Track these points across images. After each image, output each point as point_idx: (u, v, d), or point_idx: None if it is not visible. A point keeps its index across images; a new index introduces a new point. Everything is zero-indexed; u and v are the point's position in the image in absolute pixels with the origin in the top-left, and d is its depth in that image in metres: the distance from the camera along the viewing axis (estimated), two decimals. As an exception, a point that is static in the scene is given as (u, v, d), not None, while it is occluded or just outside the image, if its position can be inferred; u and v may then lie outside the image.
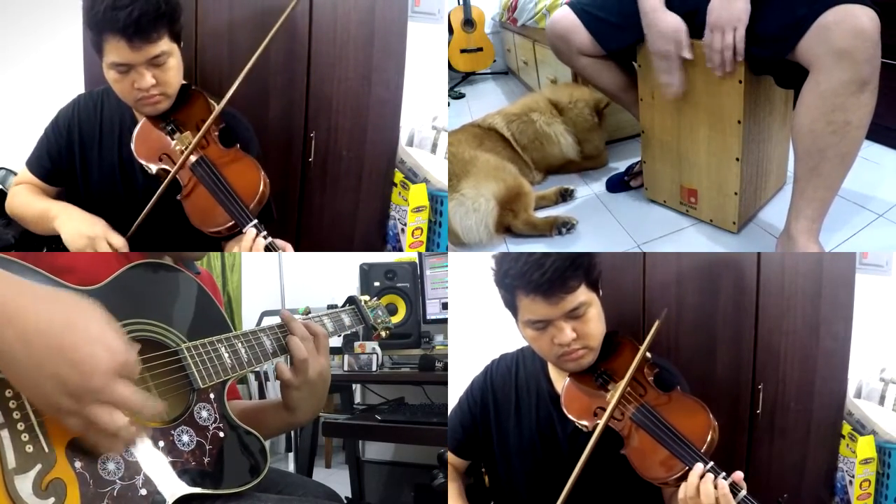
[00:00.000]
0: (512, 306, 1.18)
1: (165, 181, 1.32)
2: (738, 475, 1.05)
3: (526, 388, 1.33)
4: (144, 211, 1.33)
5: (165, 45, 1.27)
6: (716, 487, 1.03)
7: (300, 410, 1.08)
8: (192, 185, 1.32)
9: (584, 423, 1.19)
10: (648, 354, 1.19)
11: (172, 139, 1.34)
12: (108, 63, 1.26)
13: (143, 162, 1.35)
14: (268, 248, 1.29)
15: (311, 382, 1.06)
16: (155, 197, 1.32)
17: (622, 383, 1.16)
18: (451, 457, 1.41)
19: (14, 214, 1.47)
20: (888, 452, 1.81)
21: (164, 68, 1.28)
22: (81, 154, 1.43)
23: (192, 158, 1.33)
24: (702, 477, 1.04)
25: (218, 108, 1.36)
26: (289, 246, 1.35)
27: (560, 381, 1.28)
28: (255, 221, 1.30)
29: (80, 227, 1.30)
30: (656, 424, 1.13)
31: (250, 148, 1.43)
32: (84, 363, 0.65)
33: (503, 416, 1.34)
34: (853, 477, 1.80)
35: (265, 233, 1.30)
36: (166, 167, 1.33)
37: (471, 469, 1.46)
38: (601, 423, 1.14)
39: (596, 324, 1.17)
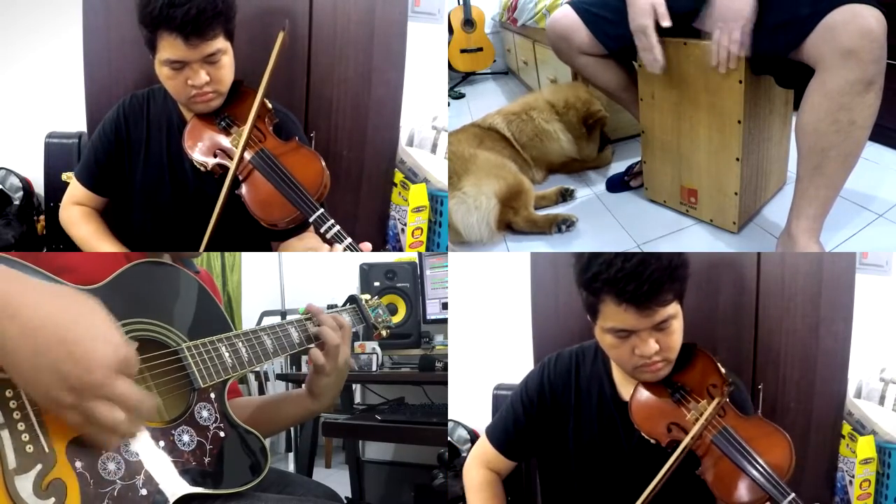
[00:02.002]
0: (594, 311, 1.12)
1: (230, 173, 1.30)
2: None
3: (587, 391, 1.27)
4: (216, 212, 1.30)
5: (221, 43, 1.26)
6: None
7: (325, 396, 1.12)
8: (253, 176, 1.31)
9: (656, 438, 1.15)
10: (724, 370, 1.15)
11: (228, 135, 1.34)
12: (162, 60, 1.25)
13: (197, 158, 1.33)
14: (335, 240, 1.26)
15: (339, 369, 1.11)
16: (223, 195, 1.30)
17: (710, 407, 1.11)
18: (492, 454, 1.32)
19: (73, 238, 1.47)
20: (888, 452, 1.81)
21: (217, 66, 1.28)
22: (130, 156, 1.42)
23: (250, 152, 1.32)
24: None
25: (259, 93, 1.34)
26: (368, 246, 1.30)
27: (626, 386, 1.23)
28: (322, 211, 1.28)
29: None
30: (738, 450, 1.09)
31: (306, 142, 1.43)
32: (85, 357, 0.65)
33: (561, 417, 1.27)
34: (853, 477, 1.80)
35: (332, 222, 1.27)
36: (223, 162, 1.32)
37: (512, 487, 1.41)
38: (682, 446, 1.09)
39: (678, 336, 1.12)
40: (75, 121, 1.72)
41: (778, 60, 1.49)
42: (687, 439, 1.10)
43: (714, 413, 1.11)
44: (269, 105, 1.38)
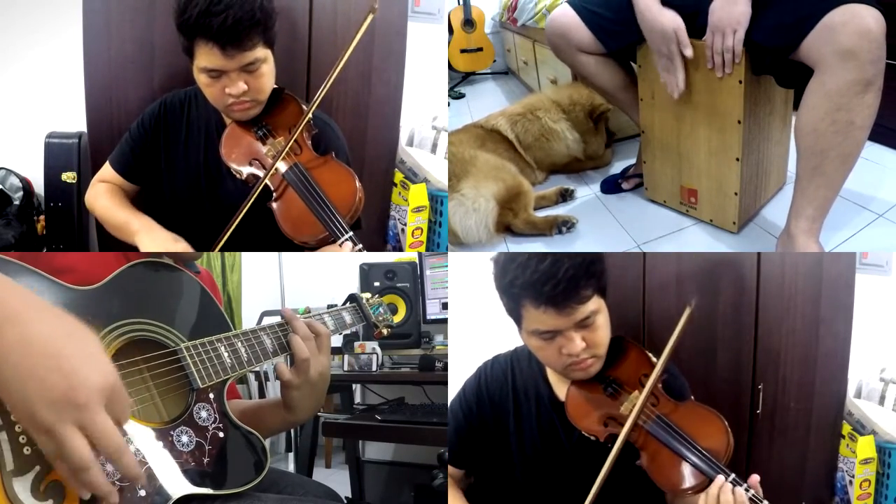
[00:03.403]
0: (516, 315, 1.12)
1: (257, 187, 1.26)
2: (755, 479, 1.03)
3: (524, 393, 1.27)
4: (234, 220, 1.27)
5: (260, 51, 1.23)
6: (734, 496, 1.01)
7: (300, 409, 1.07)
8: (285, 191, 1.28)
9: (594, 434, 1.15)
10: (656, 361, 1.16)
11: (265, 144, 1.30)
12: (200, 67, 1.22)
13: (232, 165, 1.31)
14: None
15: (312, 382, 1.04)
16: (245, 203, 1.26)
17: (641, 397, 1.11)
18: (451, 470, 1.34)
19: (95, 214, 1.45)
20: (888, 452, 1.81)
21: (256, 74, 1.25)
22: (166, 153, 1.40)
23: (285, 165, 1.28)
24: (721, 487, 1.03)
25: (310, 107, 1.30)
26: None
27: (561, 386, 1.23)
28: (351, 234, 1.24)
29: (163, 245, 1.25)
30: (675, 437, 1.10)
31: (342, 157, 1.38)
32: (74, 375, 0.63)
33: (501, 423, 1.27)
34: (853, 477, 1.80)
35: (360, 245, 1.24)
36: (256, 172, 1.29)
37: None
38: (620, 438, 1.09)
39: (605, 331, 1.13)
40: (75, 121, 1.72)
41: (778, 60, 1.49)
42: (623, 432, 1.10)
43: (645, 402, 1.12)
44: (310, 114, 1.34)
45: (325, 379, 1.07)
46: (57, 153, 1.85)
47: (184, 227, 1.34)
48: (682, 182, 1.92)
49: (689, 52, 1.59)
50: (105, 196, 1.41)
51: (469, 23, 3.84)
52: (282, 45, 1.75)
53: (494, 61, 4.02)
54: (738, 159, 1.70)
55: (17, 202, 1.92)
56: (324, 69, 1.83)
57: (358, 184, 1.30)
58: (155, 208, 1.45)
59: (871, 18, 1.29)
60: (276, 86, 1.35)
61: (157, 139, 1.40)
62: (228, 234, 1.28)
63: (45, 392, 0.62)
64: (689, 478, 1.08)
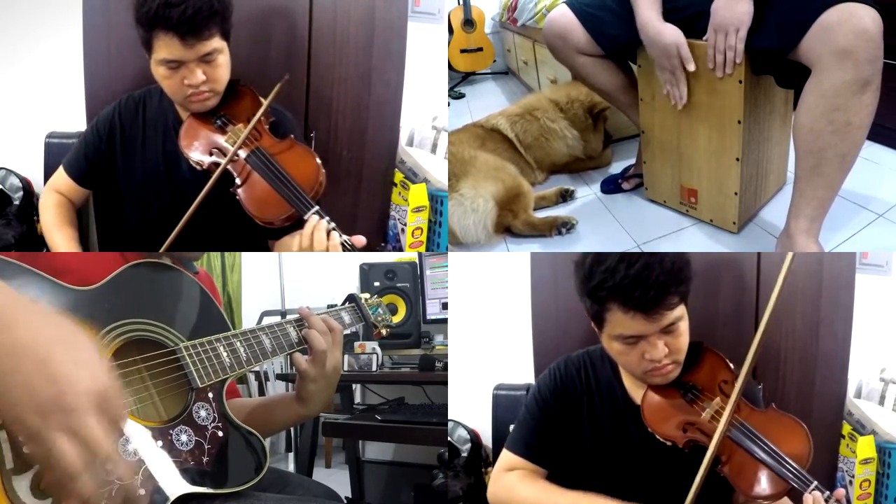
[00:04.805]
0: (599, 319, 1.10)
1: (219, 171, 1.29)
2: (841, 493, 1.02)
3: (598, 395, 1.25)
4: (192, 207, 1.30)
5: (217, 42, 1.27)
6: None
7: (313, 402, 1.10)
8: (249, 175, 1.31)
9: (672, 440, 1.14)
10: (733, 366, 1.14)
11: (224, 133, 1.34)
12: (158, 60, 1.26)
13: (192, 157, 1.34)
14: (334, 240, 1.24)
15: (327, 374, 1.09)
16: (208, 188, 1.29)
17: (730, 405, 1.09)
18: (521, 465, 1.26)
19: (40, 218, 1.49)
20: (888, 452, 1.81)
21: (214, 65, 1.29)
22: (123, 155, 1.43)
23: (246, 151, 1.32)
24: (812, 497, 1.02)
25: (275, 90, 1.33)
26: (362, 239, 1.28)
27: (636, 390, 1.22)
28: (317, 208, 1.27)
29: None
30: (757, 444, 1.09)
31: (301, 140, 1.43)
32: (61, 379, 0.61)
33: (576, 419, 1.25)
34: (853, 477, 1.79)
35: (328, 218, 1.26)
36: (218, 160, 1.32)
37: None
38: (711, 450, 1.07)
39: (686, 338, 1.12)
40: (75, 121, 1.72)
41: (777, 60, 1.48)
42: (713, 443, 1.07)
43: (733, 411, 1.10)
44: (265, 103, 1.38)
45: (338, 373, 1.12)
46: (57, 153, 1.84)
47: (149, 225, 1.35)
48: (681, 182, 1.91)
49: (691, 67, 1.59)
50: (51, 210, 1.46)
51: (469, 23, 3.85)
52: (282, 45, 1.76)
53: (494, 61, 4.02)
54: (738, 159, 1.70)
55: (17, 202, 1.92)
56: (324, 69, 1.83)
57: (319, 162, 1.34)
58: (115, 209, 1.47)
59: (868, 18, 1.28)
60: (232, 77, 1.39)
61: (112, 143, 1.43)
62: (185, 219, 1.30)
63: (32, 397, 0.60)
64: (769, 484, 1.07)
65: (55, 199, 1.47)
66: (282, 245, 1.39)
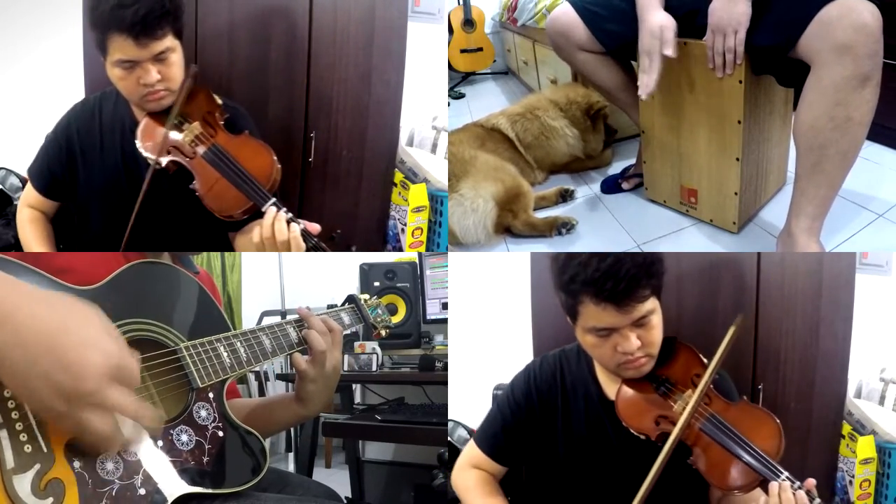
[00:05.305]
0: (573, 312, 1.13)
1: (151, 171, 1.32)
2: (811, 482, 1.04)
3: (573, 392, 1.27)
4: (137, 202, 1.32)
5: (170, 41, 1.29)
6: (795, 498, 1.02)
7: (312, 402, 1.11)
8: (206, 171, 1.33)
9: (645, 433, 1.15)
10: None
11: (181, 131, 1.36)
12: (114, 61, 1.28)
13: (151, 156, 1.35)
14: (292, 228, 1.26)
15: (327, 374, 1.09)
16: (144, 187, 1.32)
17: (696, 393, 1.11)
18: (481, 459, 1.32)
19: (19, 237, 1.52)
20: (888, 452, 1.81)
21: (167, 63, 1.30)
22: (83, 161, 1.44)
23: (203, 148, 1.34)
24: (780, 485, 1.04)
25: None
26: (317, 227, 1.30)
27: (610, 386, 1.24)
28: (274, 199, 1.29)
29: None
30: (728, 435, 1.10)
31: (256, 135, 1.44)
32: (76, 366, 0.64)
33: (549, 420, 1.28)
34: (853, 477, 1.79)
35: (286, 209, 1.28)
36: (176, 159, 1.34)
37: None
38: (673, 436, 1.09)
39: (658, 331, 1.14)
40: (75, 121, 1.71)
41: (777, 59, 1.48)
42: (676, 429, 1.10)
43: (700, 400, 1.12)
44: (219, 101, 1.41)
45: (338, 373, 1.12)
46: (57, 153, 1.85)
47: (113, 228, 1.36)
48: (682, 182, 1.92)
49: (668, 51, 1.57)
50: (26, 227, 1.50)
51: (469, 23, 3.85)
52: (282, 45, 1.76)
53: (494, 61, 4.02)
54: (738, 159, 1.70)
55: (17, 202, 1.92)
56: (324, 69, 1.83)
57: (274, 157, 1.36)
58: (82, 215, 1.49)
59: (867, 12, 1.28)
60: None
61: (71, 152, 1.44)
62: (134, 216, 1.32)
63: (53, 387, 0.64)
64: (740, 476, 1.08)
65: (28, 216, 1.51)
66: (242, 238, 1.41)
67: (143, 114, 1.39)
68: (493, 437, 1.31)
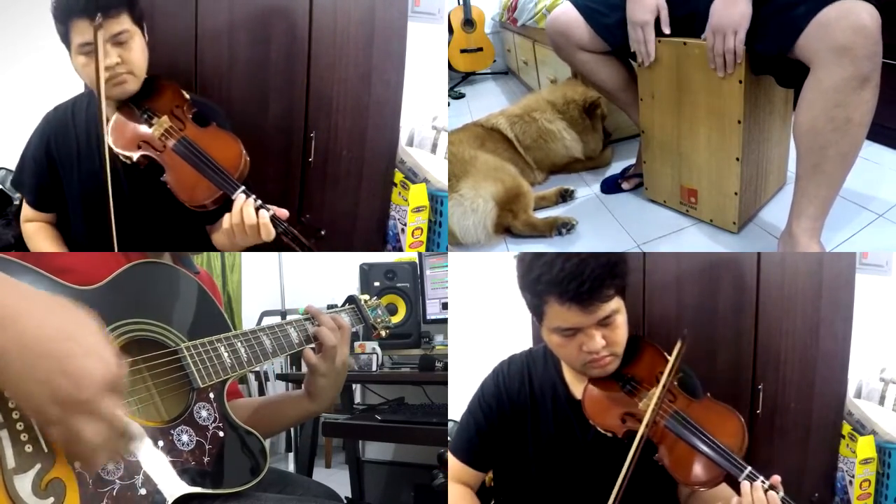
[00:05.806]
0: (539, 312, 1.14)
1: (107, 157, 1.34)
2: (776, 479, 1.06)
3: (541, 393, 1.28)
4: (108, 194, 1.34)
5: (126, 23, 1.32)
6: (767, 498, 1.04)
7: (322, 397, 1.14)
8: (176, 163, 1.35)
9: (612, 431, 1.16)
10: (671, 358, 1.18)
11: (150, 126, 1.37)
12: (77, 45, 1.31)
13: (122, 152, 1.37)
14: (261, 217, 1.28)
15: (336, 369, 1.12)
16: (108, 173, 1.33)
17: (657, 392, 1.13)
18: (461, 470, 1.31)
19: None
20: (888, 452, 1.81)
21: (127, 47, 1.32)
22: (63, 169, 1.46)
23: (173, 141, 1.36)
24: (751, 484, 1.05)
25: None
26: (285, 212, 1.32)
27: (577, 385, 1.25)
28: (244, 188, 1.31)
29: None
30: (692, 432, 1.12)
31: (225, 127, 1.47)
32: (77, 374, 0.64)
33: (519, 421, 1.28)
34: (853, 477, 1.80)
35: (255, 196, 1.30)
36: (146, 153, 1.36)
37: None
38: (641, 431, 1.11)
39: (623, 330, 1.15)
40: (75, 121, 1.71)
41: (777, 59, 1.48)
42: (642, 427, 1.12)
43: (663, 395, 1.14)
44: (187, 96, 1.43)
45: (346, 368, 1.15)
46: (57, 153, 1.85)
47: (97, 231, 1.37)
48: (681, 182, 1.92)
49: (666, 29, 1.64)
50: (32, 239, 1.50)
51: (469, 23, 3.85)
52: (282, 45, 1.76)
53: (494, 61, 4.02)
54: (738, 159, 1.70)
55: (17, 202, 1.91)
56: (324, 69, 1.83)
57: (242, 147, 1.39)
58: (65, 222, 1.50)
59: (866, 13, 1.28)
60: (155, 74, 1.43)
61: (51, 161, 1.46)
62: (111, 209, 1.34)
63: (50, 393, 0.63)
64: (704, 471, 1.10)
65: (32, 229, 1.52)
66: (218, 233, 1.42)
67: (113, 112, 1.40)
68: (468, 443, 1.30)
